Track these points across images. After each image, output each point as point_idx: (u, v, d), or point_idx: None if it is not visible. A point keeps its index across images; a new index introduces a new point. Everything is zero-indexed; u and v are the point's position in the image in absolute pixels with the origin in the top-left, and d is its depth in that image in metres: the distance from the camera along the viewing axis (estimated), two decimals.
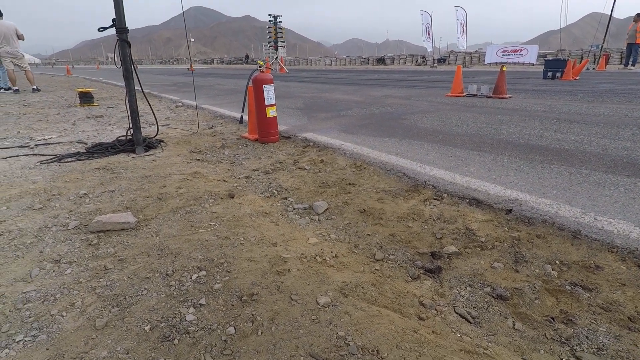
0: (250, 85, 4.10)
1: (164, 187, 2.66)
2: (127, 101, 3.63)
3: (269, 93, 3.92)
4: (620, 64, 17.91)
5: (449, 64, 30.98)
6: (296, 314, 1.33)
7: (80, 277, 1.58)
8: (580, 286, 1.52)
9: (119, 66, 3.59)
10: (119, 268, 1.65)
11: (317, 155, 3.52)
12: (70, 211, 2.27)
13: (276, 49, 25.10)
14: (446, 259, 1.77)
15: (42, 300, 1.44)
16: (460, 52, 30.44)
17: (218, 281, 1.53)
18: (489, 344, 1.25)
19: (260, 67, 4.10)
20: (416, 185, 2.64)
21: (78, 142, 4.17)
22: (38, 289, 1.50)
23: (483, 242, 1.87)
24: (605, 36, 19.06)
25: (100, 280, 1.56)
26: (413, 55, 35.92)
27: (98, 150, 3.69)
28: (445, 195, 2.45)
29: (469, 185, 2.57)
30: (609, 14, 17.68)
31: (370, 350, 1.17)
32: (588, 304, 1.42)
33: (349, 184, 2.74)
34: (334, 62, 43.79)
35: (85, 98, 7.72)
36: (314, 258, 1.72)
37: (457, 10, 26.30)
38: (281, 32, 25.27)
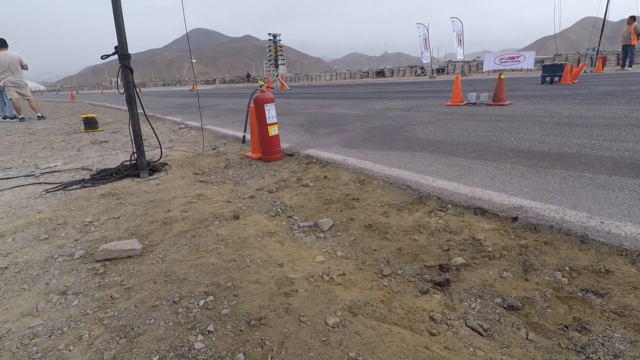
0: (252, 105, 4.15)
1: (169, 211, 2.68)
2: (130, 126, 3.68)
3: (270, 112, 3.96)
4: (617, 65, 17.98)
5: (447, 73, 31.23)
6: (305, 336, 1.32)
7: (87, 309, 1.58)
8: (592, 292, 1.49)
9: (121, 91, 3.66)
10: (126, 297, 1.65)
11: (320, 171, 3.53)
12: (76, 240, 2.28)
13: (276, 66, 25.48)
14: (454, 271, 1.75)
15: (49, 334, 1.43)
16: (458, 62, 30.70)
17: (226, 306, 1.52)
18: (503, 356, 1.23)
19: (260, 86, 4.16)
20: (420, 197, 2.63)
21: (83, 169, 4.22)
22: (45, 323, 1.50)
23: (490, 252, 1.85)
24: (600, 39, 19.20)
25: (107, 310, 1.55)
26: (412, 67, 36.29)
27: (103, 176, 3.73)
28: (450, 205, 2.44)
29: (473, 195, 2.56)
30: (603, 17, 17.85)
31: None
32: (601, 310, 1.39)
33: (353, 199, 2.74)
34: (334, 77, 44.34)
35: (90, 124, 7.84)
36: (321, 277, 1.71)
37: (453, 22, 26.67)
38: (281, 50, 25.69)
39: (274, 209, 2.73)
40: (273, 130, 4.03)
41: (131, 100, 3.63)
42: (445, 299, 1.56)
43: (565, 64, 12.12)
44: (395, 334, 1.31)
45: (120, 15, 3.46)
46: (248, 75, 55.40)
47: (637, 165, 2.92)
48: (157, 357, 1.27)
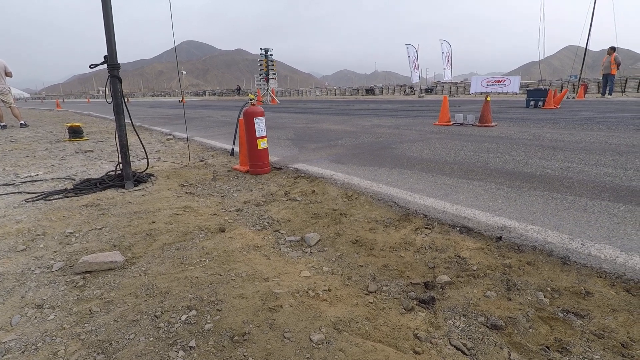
0: (242, 117, 4.16)
1: (154, 222, 2.63)
2: (117, 136, 3.65)
3: (260, 125, 3.98)
4: (598, 93, 18.72)
5: (436, 93, 31.94)
6: (289, 353, 1.30)
7: (64, 323, 1.53)
8: (573, 313, 1.52)
9: (109, 101, 3.63)
10: (105, 311, 1.60)
11: (309, 185, 3.54)
12: (55, 252, 2.22)
13: (267, 80, 25.70)
14: (439, 288, 1.76)
15: (23, 350, 1.38)
16: (446, 83, 31.48)
17: (209, 321, 1.49)
18: None
19: (251, 100, 4.18)
20: (407, 214, 2.65)
21: (66, 179, 4.13)
22: (18, 338, 1.44)
23: (475, 271, 1.87)
24: (582, 67, 20.02)
25: (85, 325, 1.50)
26: (401, 86, 37.04)
27: (86, 186, 3.66)
28: (436, 223, 2.46)
29: (458, 213, 2.59)
30: (585, 46, 18.67)
31: None
32: (581, 331, 1.41)
33: (341, 214, 2.75)
34: (325, 93, 44.89)
35: (75, 133, 7.71)
36: (307, 292, 1.70)
37: (442, 44, 27.50)
38: (272, 65, 25.97)
39: (261, 222, 2.71)
40: (262, 144, 4.04)
41: (119, 110, 3.60)
42: (430, 317, 1.56)
43: (548, 89, 12.56)
44: (380, 351, 1.30)
45: (111, 26, 3.46)
46: (238, 89, 55.63)
47: (616, 189, 3.01)
48: None
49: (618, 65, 16.43)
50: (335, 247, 2.26)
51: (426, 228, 2.42)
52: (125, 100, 3.65)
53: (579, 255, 1.92)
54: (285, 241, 2.37)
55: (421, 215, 2.61)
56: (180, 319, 1.51)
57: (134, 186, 3.69)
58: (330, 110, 15.52)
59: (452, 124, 8.09)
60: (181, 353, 1.32)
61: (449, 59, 27.56)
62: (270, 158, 4.54)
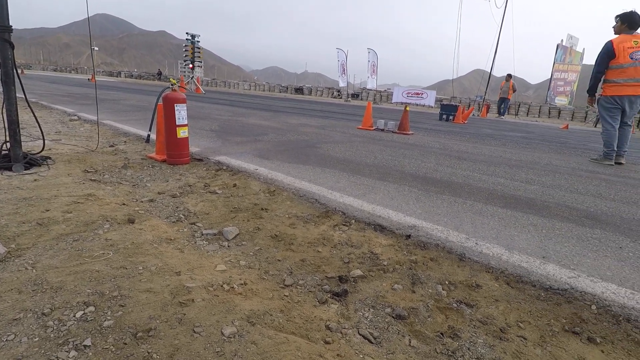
0: (161, 103, 3.89)
1: (47, 210, 2.33)
2: (4, 110, 3.14)
3: (181, 113, 3.76)
4: (497, 113, 21.42)
5: (361, 99, 33.38)
6: (199, 347, 1.25)
7: None
8: (464, 303, 1.71)
9: None
10: None
11: (230, 179, 3.44)
12: None
13: (193, 68, 24.37)
14: (352, 282, 1.84)
15: None
16: (371, 90, 33.10)
17: (109, 317, 1.37)
18: None
19: (172, 85, 3.93)
20: (327, 211, 2.73)
21: None
22: None
23: (385, 266, 1.99)
24: (486, 89, 22.73)
25: None
26: (329, 89, 38.00)
27: None
28: (354, 221, 2.58)
29: (374, 212, 2.75)
30: (489, 72, 21.24)
31: None
32: (470, 319, 1.60)
33: (262, 209, 2.73)
34: (253, 87, 44.03)
35: None
36: (221, 286, 1.65)
37: (369, 52, 28.79)
38: (199, 52, 24.70)
39: (176, 214, 2.57)
40: (182, 132, 3.82)
41: (8, 80, 3.10)
42: (341, 309, 1.63)
43: (459, 106, 13.95)
44: (292, 342, 1.32)
45: None
46: (160, 73, 51.87)
47: (505, 197, 3.46)
48: None
49: (514, 91, 19.00)
50: (254, 241, 2.23)
51: (344, 225, 2.51)
52: (20, 72, 3.16)
53: (472, 253, 2.16)
54: (202, 234, 2.27)
55: (340, 213, 2.71)
56: (74, 316, 1.36)
57: (25, 169, 3.22)
58: (257, 105, 15.29)
59: (374, 129, 8.54)
60: (73, 353, 1.19)
61: (374, 68, 29.03)
62: (191, 149, 4.31)
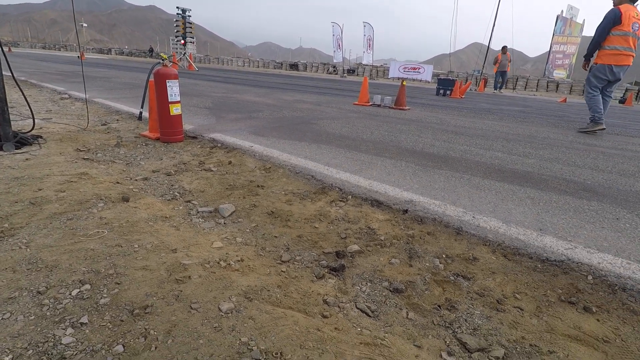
0: (152, 79, 3.79)
1: (40, 190, 2.29)
2: None
3: (173, 89, 3.67)
4: (493, 89, 21.13)
5: (357, 75, 32.85)
6: (196, 323, 1.25)
7: None
8: (462, 276, 1.72)
9: None
10: None
11: (225, 156, 3.40)
12: None
13: (185, 44, 23.74)
14: (349, 257, 1.84)
15: None
16: (367, 65, 32.54)
17: (105, 295, 1.36)
18: (386, 334, 1.33)
19: (163, 60, 3.81)
20: (323, 187, 2.71)
21: None
22: None
23: (382, 240, 1.99)
24: (484, 63, 22.32)
25: None
26: (325, 64, 37.28)
27: None
28: (350, 197, 2.56)
29: (371, 188, 2.73)
30: (487, 45, 20.77)
31: (274, 353, 1.15)
32: (467, 291, 1.61)
33: (258, 186, 2.70)
34: (247, 64, 43.19)
35: None
36: (218, 263, 1.64)
37: (364, 26, 28.09)
38: (190, 27, 24.01)
39: (171, 192, 2.54)
40: (175, 109, 3.73)
41: None
42: (339, 284, 1.63)
43: (456, 80, 13.75)
44: (289, 317, 1.32)
45: None
46: (151, 50, 50.58)
47: (502, 171, 3.44)
48: (11, 356, 1.07)
49: (510, 61, 18.57)
50: (250, 218, 2.22)
51: (341, 201, 2.50)
52: (7, 49, 3.04)
53: (470, 227, 2.16)
54: (198, 212, 2.25)
55: (337, 189, 2.69)
56: (70, 294, 1.35)
57: (15, 149, 3.16)
58: (252, 82, 15.01)
59: (371, 105, 8.43)
60: (70, 330, 1.18)
61: (370, 43, 28.43)
62: (185, 126, 4.24)
